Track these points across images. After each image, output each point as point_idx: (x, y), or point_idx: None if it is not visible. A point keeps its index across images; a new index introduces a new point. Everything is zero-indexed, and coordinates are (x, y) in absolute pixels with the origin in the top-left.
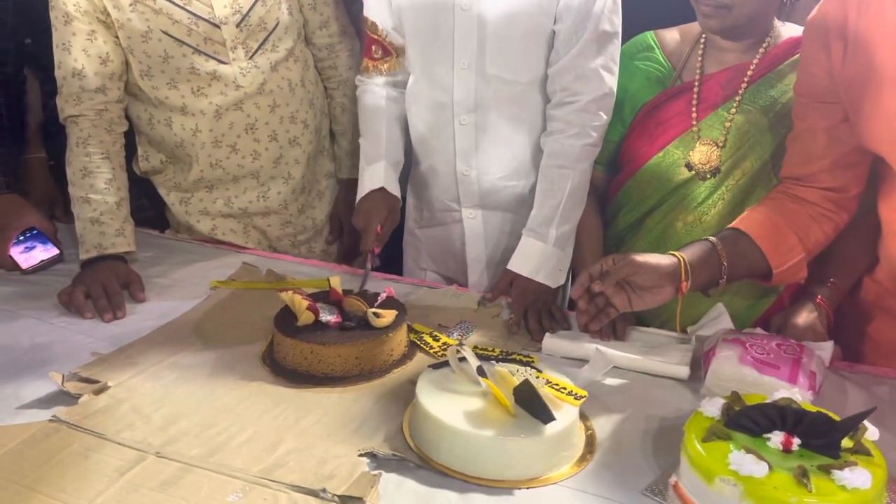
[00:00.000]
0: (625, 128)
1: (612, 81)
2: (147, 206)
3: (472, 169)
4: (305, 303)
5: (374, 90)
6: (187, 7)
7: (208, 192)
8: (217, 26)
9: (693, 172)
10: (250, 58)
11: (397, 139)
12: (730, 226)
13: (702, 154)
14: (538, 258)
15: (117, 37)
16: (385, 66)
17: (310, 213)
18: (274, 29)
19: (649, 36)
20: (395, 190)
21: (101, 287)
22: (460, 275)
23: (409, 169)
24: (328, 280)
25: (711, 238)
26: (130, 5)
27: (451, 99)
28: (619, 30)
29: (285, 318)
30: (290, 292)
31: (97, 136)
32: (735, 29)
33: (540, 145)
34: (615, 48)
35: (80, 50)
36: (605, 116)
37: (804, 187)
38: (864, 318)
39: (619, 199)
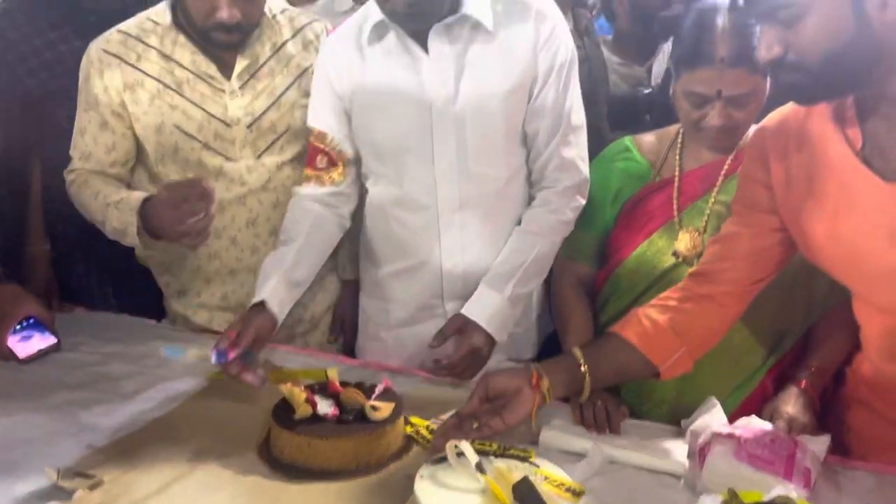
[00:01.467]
0: (608, 223)
1: (586, 170)
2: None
3: (458, 266)
4: (304, 395)
5: (305, 205)
6: (202, 105)
7: (206, 285)
8: (228, 125)
9: (680, 259)
10: (258, 157)
11: (309, 261)
12: (608, 329)
13: (686, 241)
14: (492, 308)
15: (131, 127)
16: (328, 176)
17: (310, 305)
18: (284, 133)
19: (626, 140)
20: (275, 308)
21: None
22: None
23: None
24: (325, 372)
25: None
26: (149, 100)
27: (434, 201)
28: (585, 123)
29: (283, 410)
30: (288, 385)
31: (99, 177)
32: (734, 142)
33: None
34: (584, 139)
35: (91, 136)
36: (581, 200)
37: (707, 284)
38: (846, 411)
39: (607, 288)
